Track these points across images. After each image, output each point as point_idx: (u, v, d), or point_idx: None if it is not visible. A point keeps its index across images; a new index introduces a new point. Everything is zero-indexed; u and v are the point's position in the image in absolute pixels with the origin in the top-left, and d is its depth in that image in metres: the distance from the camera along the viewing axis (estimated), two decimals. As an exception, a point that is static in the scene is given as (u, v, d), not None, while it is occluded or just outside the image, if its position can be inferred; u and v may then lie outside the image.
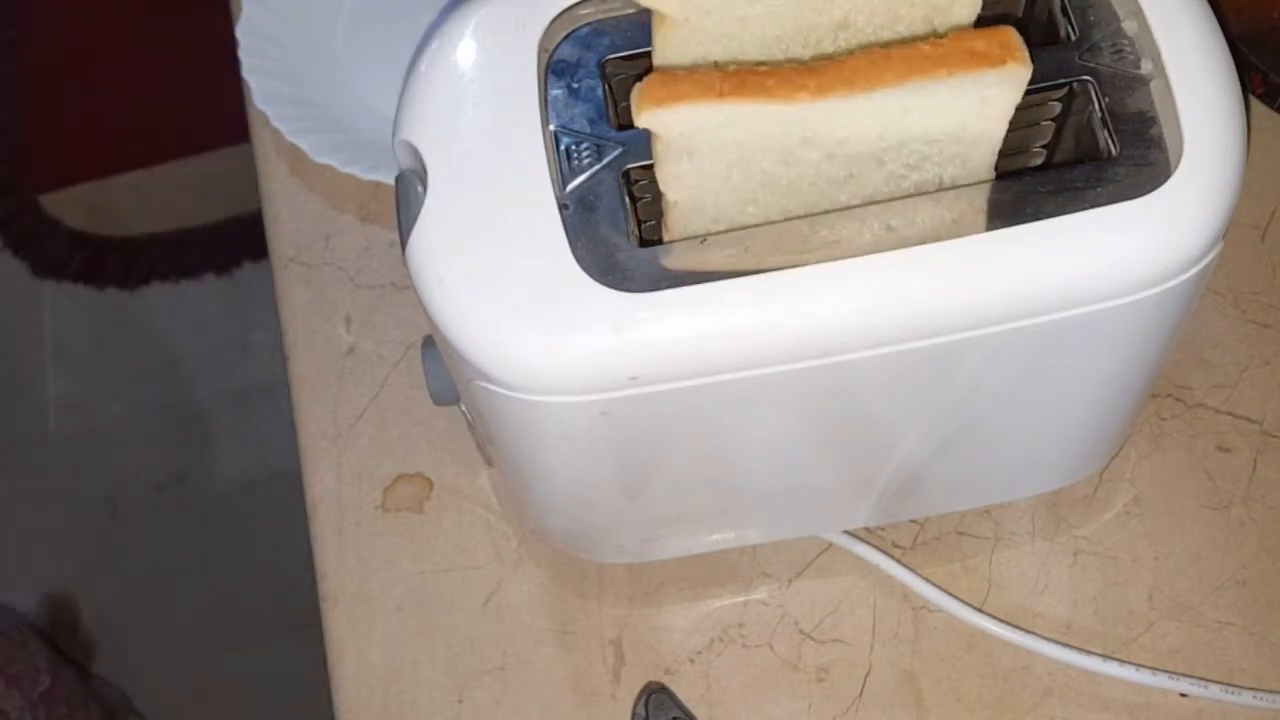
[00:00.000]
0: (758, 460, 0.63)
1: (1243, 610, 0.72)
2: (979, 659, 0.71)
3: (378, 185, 0.86)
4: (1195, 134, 0.54)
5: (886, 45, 0.54)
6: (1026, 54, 0.52)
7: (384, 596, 0.75)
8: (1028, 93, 0.56)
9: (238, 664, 1.65)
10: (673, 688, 0.72)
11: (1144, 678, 0.70)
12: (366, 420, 0.79)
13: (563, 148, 0.56)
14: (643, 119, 0.53)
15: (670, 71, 0.53)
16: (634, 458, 0.60)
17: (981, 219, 0.54)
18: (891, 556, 0.73)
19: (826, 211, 0.56)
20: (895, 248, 0.53)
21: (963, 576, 0.73)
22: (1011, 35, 0.53)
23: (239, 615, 1.67)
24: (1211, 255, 0.55)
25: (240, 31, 0.89)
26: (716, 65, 0.55)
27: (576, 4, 0.59)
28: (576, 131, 0.57)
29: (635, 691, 0.72)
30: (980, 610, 0.72)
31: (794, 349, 0.54)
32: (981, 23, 0.57)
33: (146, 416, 1.83)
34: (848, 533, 0.74)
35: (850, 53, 0.54)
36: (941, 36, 0.54)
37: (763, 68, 0.53)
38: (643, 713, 0.71)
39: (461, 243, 0.55)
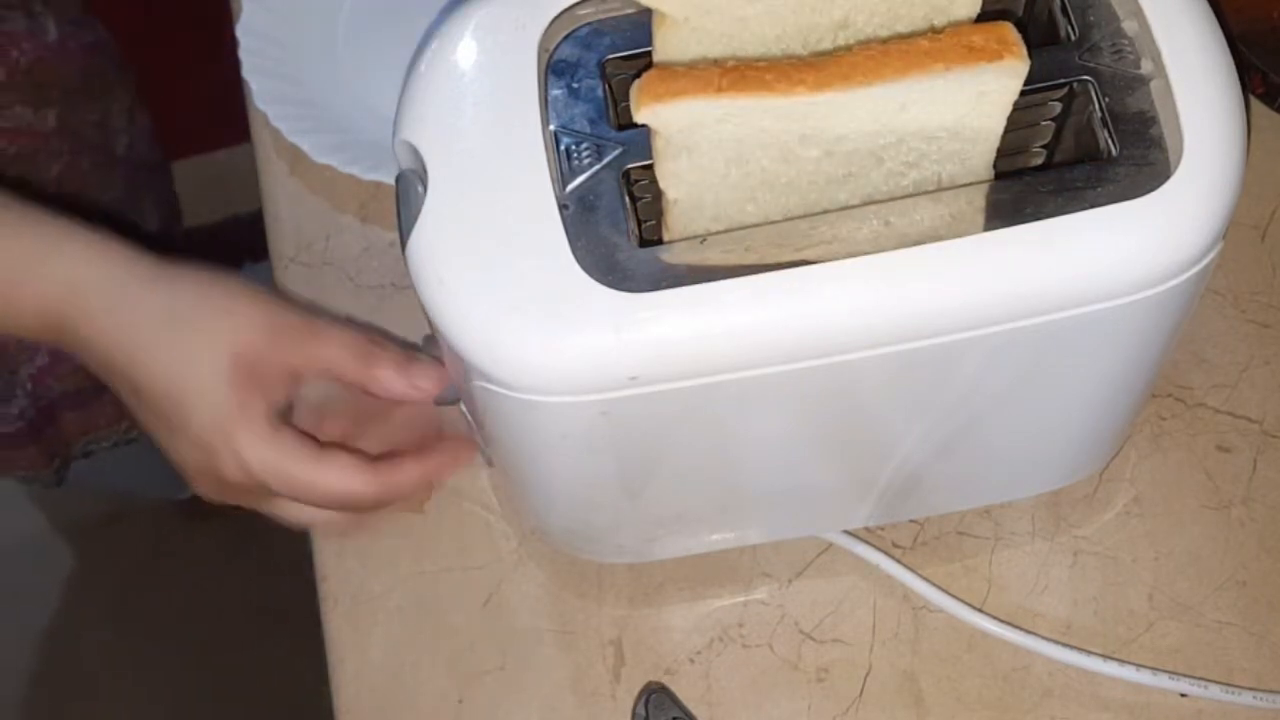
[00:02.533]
0: (758, 460, 0.63)
1: (1243, 610, 0.72)
2: (979, 659, 0.71)
3: (378, 185, 0.86)
4: (1195, 134, 0.54)
5: (885, 41, 0.54)
6: (1024, 49, 0.53)
7: (384, 596, 0.75)
8: (1028, 92, 0.56)
9: (238, 664, 1.65)
10: (673, 688, 0.72)
11: (1144, 678, 0.70)
12: (367, 420, 0.79)
13: (563, 148, 0.56)
14: (642, 114, 0.53)
15: (669, 67, 0.54)
16: (634, 457, 0.60)
17: (981, 218, 0.54)
18: (891, 556, 0.73)
19: (826, 211, 0.56)
20: (895, 245, 0.53)
21: (963, 576, 0.73)
22: (1008, 30, 0.53)
23: (239, 615, 1.67)
24: (1212, 255, 0.55)
25: (240, 31, 0.89)
26: (715, 62, 0.55)
27: (576, 4, 0.59)
28: (577, 131, 0.57)
29: (635, 691, 0.72)
30: (980, 610, 0.72)
31: (794, 349, 0.54)
32: (982, 19, 0.57)
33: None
34: (848, 532, 0.74)
35: (849, 50, 0.54)
36: (939, 32, 0.54)
37: (761, 63, 0.54)
38: (643, 713, 0.71)
39: (462, 243, 0.55)
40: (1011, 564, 0.74)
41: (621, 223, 0.54)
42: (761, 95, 0.52)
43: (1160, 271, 0.54)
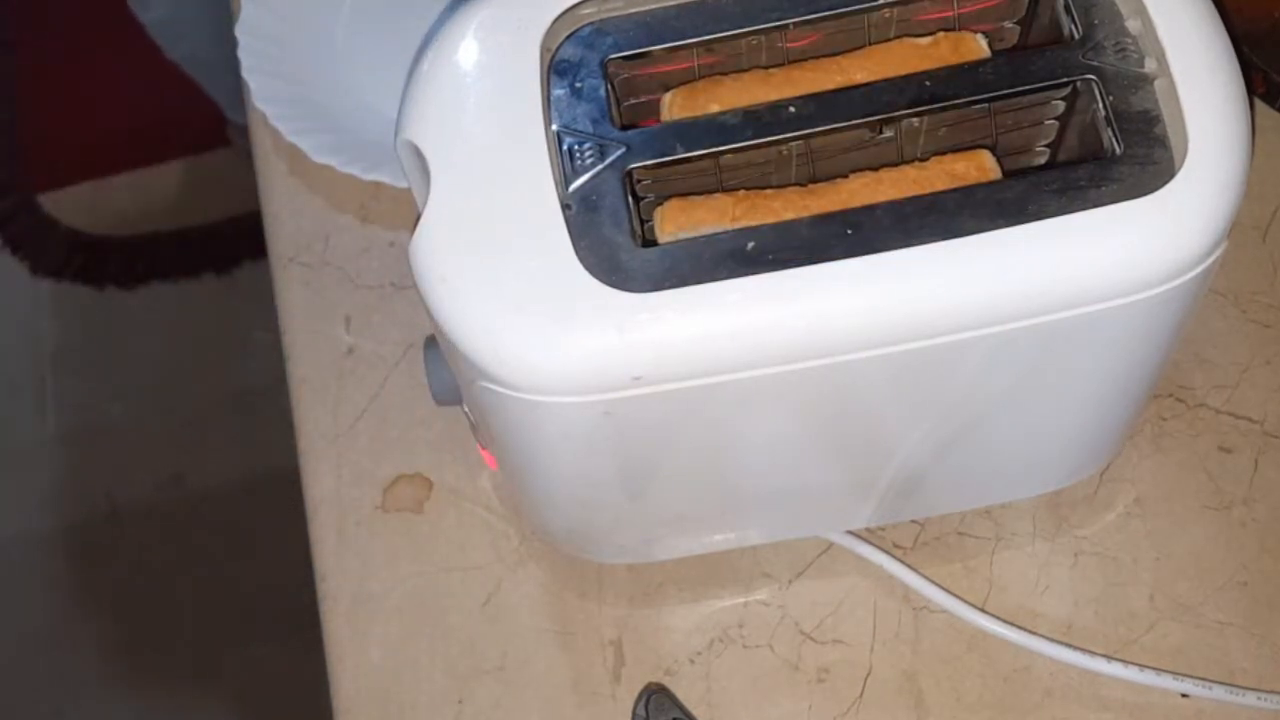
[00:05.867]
0: (760, 460, 0.63)
1: (1244, 611, 0.72)
2: (980, 659, 0.71)
3: (378, 185, 0.86)
4: (1200, 133, 0.54)
5: (877, 170, 0.58)
6: (999, 174, 0.57)
7: (384, 597, 0.75)
8: (1031, 91, 0.56)
9: (238, 664, 1.65)
10: (673, 688, 0.72)
11: (1145, 678, 0.70)
12: (366, 420, 0.79)
13: (565, 148, 0.56)
14: (665, 239, 0.56)
15: (687, 197, 0.57)
16: (637, 458, 0.60)
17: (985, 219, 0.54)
18: (892, 556, 0.73)
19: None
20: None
21: (964, 577, 0.73)
22: (986, 158, 0.57)
23: (239, 615, 1.67)
24: (1215, 255, 0.55)
25: (240, 31, 0.89)
26: (723, 185, 0.59)
27: (578, 4, 0.59)
28: (579, 131, 0.57)
29: (635, 692, 0.71)
30: (981, 610, 0.72)
31: (796, 349, 0.54)
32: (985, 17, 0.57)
33: (146, 416, 1.83)
34: (849, 533, 0.74)
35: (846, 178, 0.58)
36: (925, 161, 0.58)
37: (769, 190, 0.57)
38: (643, 713, 0.70)
39: (464, 242, 0.54)
40: (1012, 564, 0.74)
41: (624, 222, 0.54)
42: (769, 222, 0.56)
43: (1164, 271, 0.54)
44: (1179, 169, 0.54)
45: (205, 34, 1.57)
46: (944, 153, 0.59)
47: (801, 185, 0.58)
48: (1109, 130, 0.55)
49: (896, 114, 0.57)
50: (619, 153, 0.56)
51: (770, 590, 0.74)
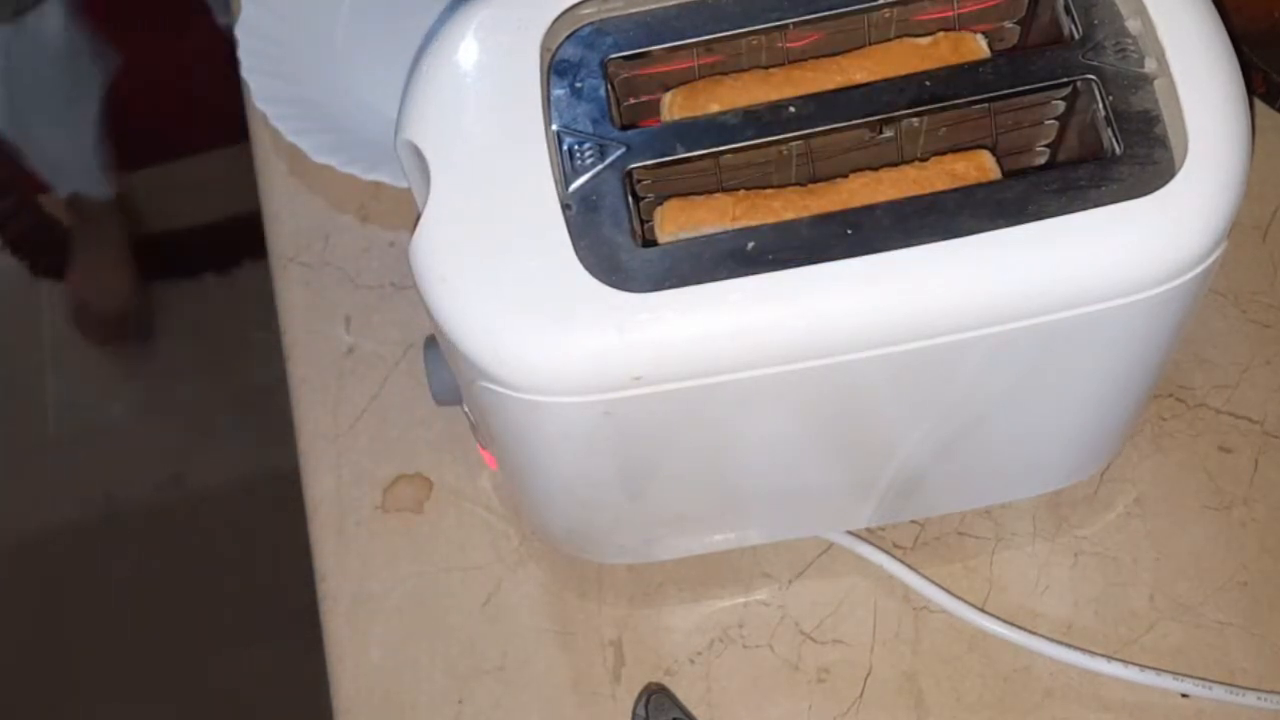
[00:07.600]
0: (760, 460, 0.63)
1: (1244, 611, 0.72)
2: (980, 659, 0.71)
3: (378, 185, 0.86)
4: (1200, 133, 0.54)
5: (877, 170, 0.58)
6: (999, 175, 0.57)
7: (384, 596, 0.75)
8: (1031, 91, 0.56)
9: (238, 664, 1.65)
10: (673, 688, 0.72)
11: (1145, 678, 0.69)
12: (366, 420, 0.79)
13: (565, 148, 0.56)
14: (665, 239, 0.56)
15: (687, 197, 0.57)
16: (637, 458, 0.60)
17: (986, 219, 0.54)
18: (893, 556, 0.73)
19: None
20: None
21: (964, 577, 0.73)
22: (986, 159, 0.57)
23: (239, 615, 1.67)
24: (1215, 255, 0.55)
25: (240, 31, 0.89)
26: (723, 185, 0.59)
27: (578, 4, 0.59)
28: (579, 131, 0.57)
29: (635, 692, 0.71)
30: (981, 610, 0.72)
31: (796, 349, 0.54)
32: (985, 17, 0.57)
33: (146, 416, 1.83)
34: (849, 533, 0.74)
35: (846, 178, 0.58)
36: (925, 161, 0.58)
37: (769, 190, 0.57)
38: (643, 713, 0.70)
39: (464, 242, 0.55)
40: (1012, 564, 0.74)
41: (624, 222, 0.54)
42: (769, 222, 0.56)
43: (1164, 271, 0.54)
44: (1179, 169, 0.54)
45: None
46: (944, 153, 0.59)
47: (801, 185, 0.58)
48: (1109, 130, 0.55)
49: (896, 114, 0.57)
50: (619, 153, 0.56)
51: (770, 590, 0.74)
